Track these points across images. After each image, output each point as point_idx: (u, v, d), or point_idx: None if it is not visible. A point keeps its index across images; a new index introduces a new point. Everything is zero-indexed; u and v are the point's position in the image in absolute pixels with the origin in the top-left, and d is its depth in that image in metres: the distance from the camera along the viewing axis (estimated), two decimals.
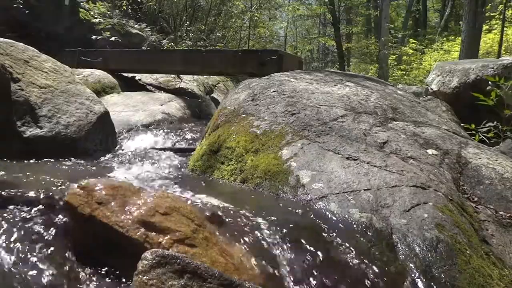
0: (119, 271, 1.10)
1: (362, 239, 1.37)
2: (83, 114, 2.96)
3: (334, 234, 1.38)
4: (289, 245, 1.29)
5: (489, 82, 3.24)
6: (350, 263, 1.26)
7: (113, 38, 7.09)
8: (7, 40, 2.90)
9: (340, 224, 1.44)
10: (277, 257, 1.23)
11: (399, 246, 1.35)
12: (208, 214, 1.36)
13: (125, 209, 1.17)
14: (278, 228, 1.36)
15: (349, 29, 18.47)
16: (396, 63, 13.91)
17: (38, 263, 1.11)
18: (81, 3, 7.52)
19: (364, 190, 1.60)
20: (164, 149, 3.25)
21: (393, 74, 13.19)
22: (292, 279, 1.17)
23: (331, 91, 2.52)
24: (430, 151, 1.96)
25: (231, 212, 1.43)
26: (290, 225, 1.38)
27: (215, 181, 2.12)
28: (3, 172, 1.87)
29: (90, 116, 3.00)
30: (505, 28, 8.56)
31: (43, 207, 1.29)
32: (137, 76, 6.46)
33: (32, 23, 6.70)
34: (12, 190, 1.37)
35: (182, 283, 0.94)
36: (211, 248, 1.15)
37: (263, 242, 1.29)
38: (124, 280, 1.08)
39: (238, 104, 2.52)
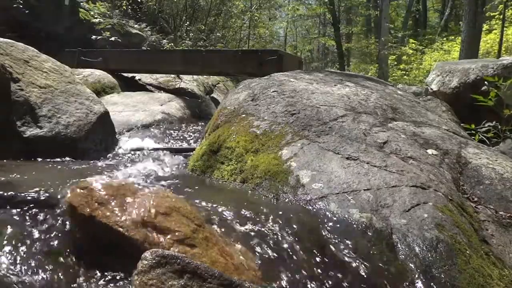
0: (119, 271, 1.10)
1: (362, 239, 1.37)
2: (83, 114, 2.96)
3: (334, 234, 1.38)
4: (289, 245, 1.29)
5: (485, 82, 3.24)
6: (350, 263, 1.26)
7: (113, 38, 7.09)
8: (7, 40, 2.90)
9: (340, 224, 1.44)
10: (277, 257, 1.24)
11: (399, 246, 1.35)
12: (208, 214, 1.37)
13: (125, 209, 1.17)
14: (278, 228, 1.36)
15: (349, 29, 18.49)
16: (396, 63, 13.89)
17: (37, 263, 1.11)
18: (81, 3, 7.53)
19: (364, 190, 1.60)
20: (164, 149, 3.25)
21: (393, 74, 13.18)
22: (292, 279, 1.17)
23: (331, 91, 2.52)
24: (430, 151, 1.96)
25: (231, 212, 1.43)
26: (290, 225, 1.39)
27: (215, 181, 2.12)
28: (3, 172, 1.87)
29: (90, 116, 3.00)
30: (505, 28, 8.57)
31: (43, 207, 1.29)
32: (137, 76, 6.46)
33: (32, 23, 6.71)
34: (12, 190, 1.37)
35: (182, 283, 0.94)
36: (211, 248, 1.15)
37: (263, 242, 1.29)
38: (124, 280, 1.08)
39: (238, 104, 2.52)
